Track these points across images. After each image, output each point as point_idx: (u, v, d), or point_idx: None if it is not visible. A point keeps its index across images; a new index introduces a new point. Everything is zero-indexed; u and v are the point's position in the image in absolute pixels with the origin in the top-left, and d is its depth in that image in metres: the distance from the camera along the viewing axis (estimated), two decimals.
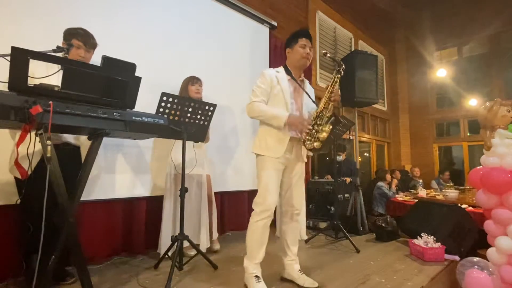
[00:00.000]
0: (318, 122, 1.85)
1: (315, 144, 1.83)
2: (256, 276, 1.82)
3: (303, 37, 1.96)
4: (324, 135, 1.83)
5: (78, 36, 1.82)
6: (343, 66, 1.88)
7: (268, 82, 1.89)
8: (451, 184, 5.58)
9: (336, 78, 1.87)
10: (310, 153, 2.01)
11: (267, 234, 1.87)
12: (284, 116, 1.79)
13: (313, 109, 1.98)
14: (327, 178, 4.29)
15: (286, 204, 1.99)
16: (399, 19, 7.48)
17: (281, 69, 2.01)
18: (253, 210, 1.87)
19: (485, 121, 2.06)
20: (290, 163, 1.93)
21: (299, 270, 1.96)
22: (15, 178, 1.74)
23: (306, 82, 2.11)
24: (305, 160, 2.02)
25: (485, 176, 1.91)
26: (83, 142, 1.87)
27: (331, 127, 1.84)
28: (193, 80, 2.60)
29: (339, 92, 1.88)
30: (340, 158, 4.33)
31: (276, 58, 4.02)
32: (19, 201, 1.66)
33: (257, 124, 3.12)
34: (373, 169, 6.91)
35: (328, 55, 1.91)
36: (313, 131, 1.84)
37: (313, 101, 2.04)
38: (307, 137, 1.86)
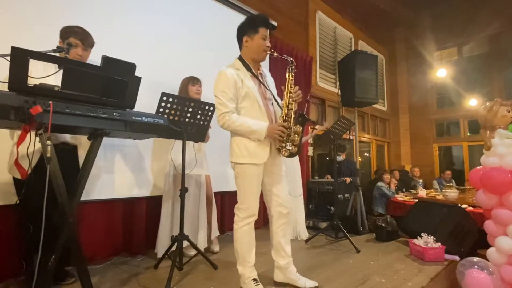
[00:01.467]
0: (287, 126, 1.76)
1: (291, 149, 1.77)
2: (254, 279, 1.78)
3: (265, 27, 1.80)
4: (296, 137, 1.77)
5: (75, 35, 1.80)
6: (294, 63, 1.83)
7: (232, 84, 1.75)
8: (452, 183, 5.59)
9: (291, 77, 1.81)
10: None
11: (254, 235, 1.84)
12: (263, 130, 1.72)
13: (279, 102, 1.91)
14: (327, 178, 4.29)
15: (275, 206, 1.89)
16: (399, 19, 7.48)
17: (238, 64, 1.85)
18: (235, 214, 1.82)
19: (485, 121, 2.06)
20: (271, 162, 1.85)
21: (296, 271, 1.91)
22: (14, 178, 1.74)
23: (265, 72, 1.98)
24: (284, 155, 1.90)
25: (485, 176, 1.91)
26: (81, 141, 1.87)
27: (301, 128, 1.78)
28: (193, 81, 2.59)
29: (299, 90, 1.81)
30: (340, 158, 4.33)
31: (276, 58, 4.00)
32: (18, 201, 1.66)
33: None
34: (373, 169, 6.91)
35: (275, 54, 1.84)
36: (285, 137, 1.76)
37: (274, 97, 1.93)
38: (281, 144, 1.78)
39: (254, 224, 1.84)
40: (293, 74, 1.82)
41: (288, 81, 1.80)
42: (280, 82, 1.98)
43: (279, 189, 1.89)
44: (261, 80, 1.90)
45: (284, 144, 1.78)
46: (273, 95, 1.93)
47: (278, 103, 1.93)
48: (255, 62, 1.88)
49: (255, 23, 1.81)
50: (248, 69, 1.84)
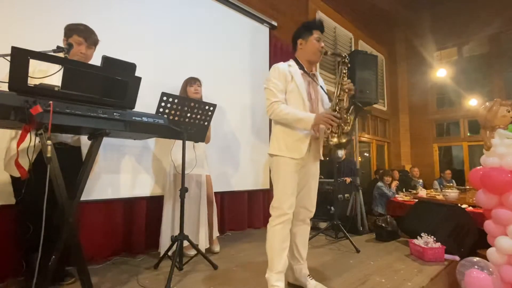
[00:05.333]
0: (338, 116, 1.74)
1: (342, 138, 1.75)
2: None
3: (318, 30, 1.88)
4: (347, 128, 1.75)
5: (78, 32, 1.79)
6: (347, 57, 1.85)
7: (283, 77, 1.79)
8: (453, 183, 5.58)
9: (344, 70, 1.83)
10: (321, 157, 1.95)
11: (288, 239, 1.75)
12: (311, 118, 1.69)
13: (328, 105, 1.93)
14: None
15: (298, 206, 1.84)
16: (399, 19, 7.48)
17: (292, 62, 1.90)
18: (270, 213, 1.78)
19: (485, 121, 2.06)
20: (308, 163, 1.84)
21: (308, 275, 1.87)
22: (11, 177, 1.73)
23: (319, 76, 2.02)
24: (322, 158, 1.91)
25: (485, 176, 1.91)
26: (84, 142, 1.87)
27: (353, 116, 1.77)
28: (191, 81, 2.59)
29: (351, 82, 1.81)
30: (342, 153, 4.29)
31: (276, 58, 4.01)
32: (16, 201, 1.66)
33: (257, 125, 3.14)
34: (373, 169, 6.91)
35: (329, 52, 1.87)
36: (335, 126, 1.73)
37: (328, 96, 1.98)
38: (332, 134, 1.76)
39: (287, 224, 1.75)
40: (346, 68, 1.84)
41: (340, 73, 1.82)
42: None
43: (309, 192, 1.88)
44: (314, 79, 1.92)
45: (335, 134, 1.76)
46: (328, 96, 1.94)
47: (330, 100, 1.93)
48: (309, 64, 1.91)
49: (310, 26, 1.88)
50: (300, 67, 1.88)
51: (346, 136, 1.76)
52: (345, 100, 1.79)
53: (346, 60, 1.84)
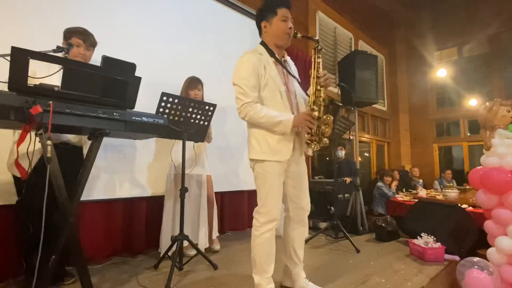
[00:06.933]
0: (316, 117, 1.58)
1: (322, 142, 1.60)
2: None
3: (283, 7, 1.62)
4: (328, 129, 1.58)
5: (77, 34, 1.83)
6: (319, 42, 1.65)
7: (255, 71, 1.57)
8: (453, 183, 5.58)
9: (317, 58, 1.63)
10: (310, 153, 1.85)
11: (274, 242, 1.65)
12: (289, 121, 1.53)
13: (303, 95, 1.76)
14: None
15: (294, 208, 1.75)
16: (399, 19, 7.49)
17: (261, 49, 1.67)
18: (255, 218, 1.65)
19: (485, 121, 2.07)
20: (293, 161, 1.70)
21: (305, 277, 1.80)
22: (14, 177, 1.74)
23: (289, 61, 1.81)
24: (309, 153, 1.79)
25: (485, 176, 1.92)
26: (85, 141, 1.87)
27: (332, 118, 1.58)
28: (192, 84, 2.57)
29: (328, 74, 1.60)
30: (342, 153, 4.30)
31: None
32: (17, 201, 1.66)
33: None
34: (373, 169, 6.91)
35: (299, 35, 1.67)
36: (314, 128, 1.58)
37: (299, 82, 1.78)
38: (311, 138, 1.61)
39: (274, 231, 1.65)
40: (320, 56, 1.63)
41: (315, 64, 1.62)
42: None
43: (301, 191, 1.75)
44: (286, 67, 1.73)
45: (313, 138, 1.60)
46: (299, 83, 1.77)
47: (306, 94, 1.75)
48: (278, 48, 1.70)
49: (272, 4, 1.64)
50: (271, 54, 1.67)
51: (326, 140, 1.60)
52: (322, 96, 1.60)
53: (319, 46, 1.64)
